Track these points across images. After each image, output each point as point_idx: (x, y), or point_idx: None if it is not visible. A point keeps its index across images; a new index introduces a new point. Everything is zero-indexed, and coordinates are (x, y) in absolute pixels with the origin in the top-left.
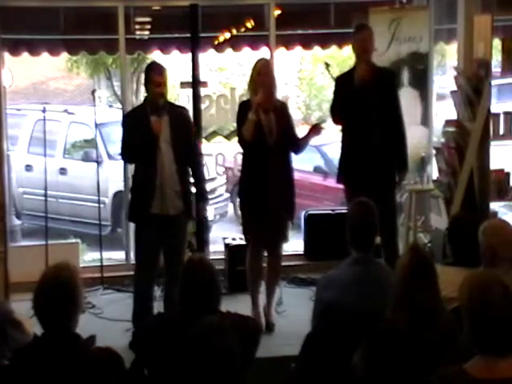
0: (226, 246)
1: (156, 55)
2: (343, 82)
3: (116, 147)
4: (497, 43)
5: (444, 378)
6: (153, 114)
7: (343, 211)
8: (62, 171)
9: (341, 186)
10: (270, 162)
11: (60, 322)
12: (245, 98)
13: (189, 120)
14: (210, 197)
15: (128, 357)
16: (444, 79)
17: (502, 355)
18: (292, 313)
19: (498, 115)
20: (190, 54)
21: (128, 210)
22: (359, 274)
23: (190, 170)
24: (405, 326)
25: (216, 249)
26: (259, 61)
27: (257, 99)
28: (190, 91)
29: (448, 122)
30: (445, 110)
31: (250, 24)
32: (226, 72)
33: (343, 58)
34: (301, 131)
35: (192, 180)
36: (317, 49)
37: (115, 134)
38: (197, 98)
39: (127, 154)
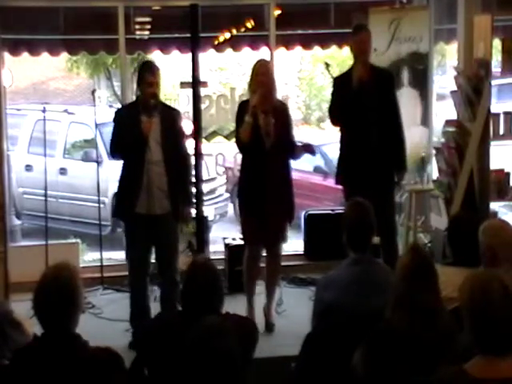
0: (226, 246)
1: (156, 55)
2: (341, 83)
3: None
4: (497, 43)
5: (444, 378)
6: (144, 114)
7: (343, 211)
8: (62, 171)
9: (340, 187)
10: (268, 163)
11: (60, 322)
12: (245, 98)
13: (179, 122)
14: (210, 197)
15: (128, 357)
16: (444, 79)
17: (502, 355)
18: (292, 313)
19: (498, 115)
20: (190, 54)
21: (114, 207)
22: (358, 275)
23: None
24: (405, 326)
25: (216, 249)
26: (258, 62)
27: (253, 101)
28: (190, 91)
29: (448, 122)
30: (445, 110)
31: (250, 24)
32: (226, 72)
33: (343, 58)
34: (301, 131)
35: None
36: (317, 49)
37: None
38: (197, 98)
39: (116, 152)
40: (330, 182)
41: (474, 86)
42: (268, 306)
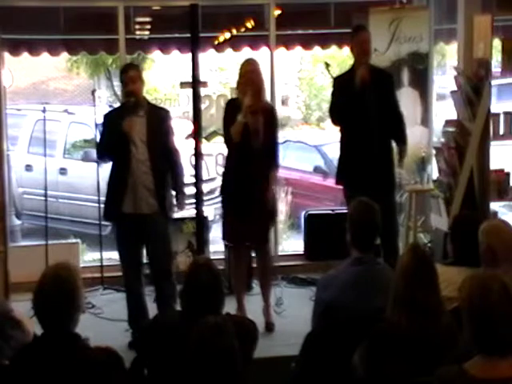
0: (226, 246)
1: (156, 55)
2: (342, 84)
3: None
4: (497, 43)
5: (444, 377)
6: (127, 113)
7: (343, 211)
8: (62, 171)
9: (340, 187)
10: (254, 163)
11: (60, 322)
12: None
13: (167, 121)
14: (210, 197)
15: (128, 357)
16: (444, 79)
17: (502, 355)
18: (292, 313)
19: (498, 115)
20: (190, 54)
21: (103, 209)
22: (359, 274)
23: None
24: (405, 326)
25: (216, 249)
26: (246, 61)
27: (247, 101)
28: (190, 91)
29: (448, 122)
30: (445, 110)
31: (250, 24)
32: (226, 72)
33: (343, 58)
34: (301, 131)
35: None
36: (317, 49)
37: None
38: (197, 98)
39: (100, 153)
40: (330, 181)
41: (473, 86)
42: (266, 307)
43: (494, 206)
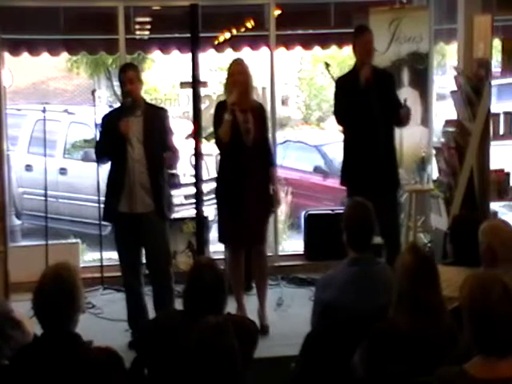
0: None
1: (156, 55)
2: (345, 84)
3: None
4: (497, 43)
5: (444, 377)
6: (124, 114)
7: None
8: (62, 171)
9: (341, 186)
10: (247, 161)
11: (60, 322)
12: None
13: (165, 121)
14: (210, 197)
15: (128, 357)
16: (444, 79)
17: (502, 355)
18: (292, 313)
19: (497, 115)
20: (190, 54)
21: (102, 210)
22: (357, 274)
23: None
24: (407, 326)
25: (216, 249)
26: (234, 61)
27: (231, 99)
28: (190, 91)
29: (448, 122)
30: (445, 110)
31: (250, 24)
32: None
33: (343, 57)
34: (301, 131)
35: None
36: (317, 49)
37: None
38: (197, 98)
39: (98, 154)
40: (330, 181)
41: (473, 86)
42: (261, 309)
43: (494, 206)
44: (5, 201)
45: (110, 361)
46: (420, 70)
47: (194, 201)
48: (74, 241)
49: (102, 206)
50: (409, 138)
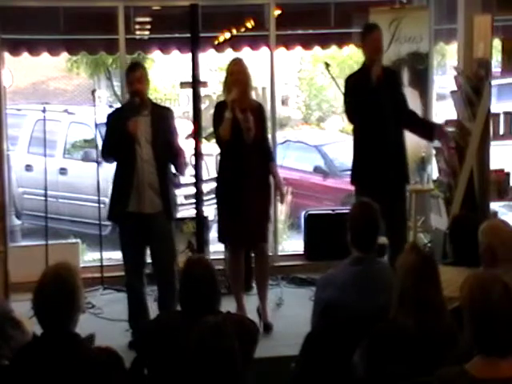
0: (226, 246)
1: (156, 55)
2: (356, 82)
3: None
4: (497, 43)
5: (444, 377)
6: (132, 114)
7: (343, 211)
8: (62, 171)
9: (341, 186)
10: (248, 160)
11: (60, 321)
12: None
13: (171, 121)
14: (210, 197)
15: (128, 357)
16: (444, 79)
17: (502, 355)
18: (292, 313)
19: (497, 115)
20: (189, 54)
21: (108, 209)
22: (358, 274)
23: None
24: (407, 326)
25: (216, 249)
26: (233, 60)
27: (231, 97)
28: (190, 91)
29: (448, 122)
30: (445, 110)
31: (250, 24)
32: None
33: (343, 57)
34: (301, 131)
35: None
36: (317, 49)
37: None
38: (197, 98)
39: (105, 154)
40: (330, 181)
41: (473, 86)
42: (262, 307)
43: (494, 205)
44: (5, 201)
45: (110, 361)
46: (420, 70)
47: (193, 201)
48: (74, 241)
49: (102, 205)
50: (409, 138)
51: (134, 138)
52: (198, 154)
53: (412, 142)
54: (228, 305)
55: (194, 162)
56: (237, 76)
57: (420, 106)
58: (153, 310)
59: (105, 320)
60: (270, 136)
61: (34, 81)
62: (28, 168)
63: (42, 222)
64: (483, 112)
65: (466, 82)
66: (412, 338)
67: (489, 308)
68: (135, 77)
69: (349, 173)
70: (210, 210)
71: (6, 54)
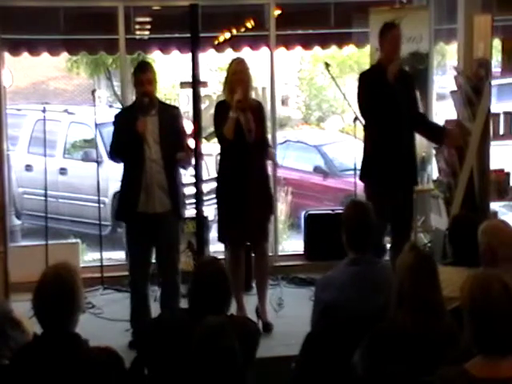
0: (226, 246)
1: (156, 55)
2: (372, 78)
3: None
4: (497, 43)
5: (445, 377)
6: (141, 114)
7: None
8: (62, 171)
9: (341, 186)
10: (249, 160)
11: (60, 321)
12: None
13: (179, 120)
14: (210, 197)
15: (128, 357)
16: (444, 79)
17: (502, 355)
18: (292, 313)
19: (497, 115)
20: (190, 54)
21: (116, 209)
22: (357, 275)
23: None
24: (407, 325)
25: (216, 249)
26: (234, 60)
27: (236, 97)
28: (190, 91)
29: (448, 122)
30: (445, 110)
31: (250, 24)
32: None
33: (343, 57)
34: (301, 131)
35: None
36: (317, 49)
37: None
38: (197, 98)
39: (114, 153)
40: (330, 181)
41: (473, 86)
42: (262, 307)
43: (494, 205)
44: (5, 201)
45: (109, 361)
46: (420, 70)
47: (194, 201)
48: (74, 241)
49: (102, 205)
50: None
51: (143, 137)
52: (198, 154)
53: None
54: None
55: (193, 162)
56: (240, 76)
57: (420, 105)
58: (154, 309)
59: (105, 320)
60: (269, 136)
61: (34, 81)
62: (28, 168)
63: (42, 222)
64: (483, 112)
65: (466, 82)
66: (411, 337)
67: (489, 308)
68: (146, 78)
69: (348, 173)
70: (210, 210)
71: (6, 54)
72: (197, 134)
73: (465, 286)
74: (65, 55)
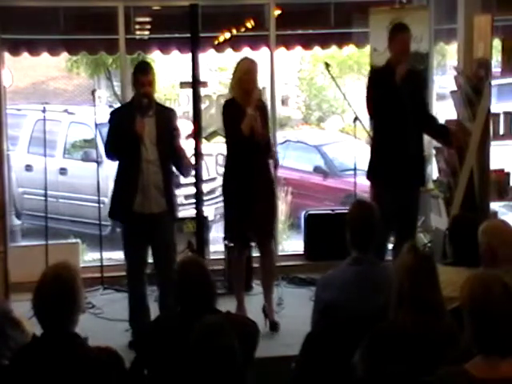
0: (226, 246)
1: (156, 55)
2: (380, 78)
3: None
4: (497, 43)
5: (445, 377)
6: (138, 114)
7: (343, 211)
8: (62, 171)
9: (341, 186)
10: (257, 159)
11: (60, 322)
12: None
13: (174, 122)
14: (210, 197)
15: (128, 357)
16: (444, 79)
17: (502, 355)
18: (292, 313)
19: (497, 115)
20: (189, 54)
21: (109, 207)
22: (358, 274)
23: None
24: (407, 326)
25: (216, 249)
26: (244, 60)
27: (256, 96)
28: (189, 91)
29: (448, 122)
30: (445, 110)
31: (250, 24)
32: (226, 72)
33: (343, 57)
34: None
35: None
36: (317, 49)
37: None
38: (197, 98)
39: (111, 152)
40: (330, 181)
41: (473, 86)
42: (268, 306)
43: (494, 205)
44: (5, 201)
45: (109, 361)
46: (420, 70)
47: (194, 201)
48: (74, 241)
49: (102, 205)
50: None
51: (141, 138)
52: (198, 154)
53: None
54: (228, 305)
55: (193, 162)
56: (252, 75)
57: None
58: (153, 309)
59: (105, 320)
60: (270, 136)
61: (34, 81)
62: (28, 168)
63: (42, 222)
64: (483, 112)
65: (465, 82)
66: (411, 337)
67: (489, 308)
68: (147, 79)
69: (349, 173)
70: (210, 210)
71: (6, 54)
72: (197, 134)
73: (465, 286)
74: (65, 55)
